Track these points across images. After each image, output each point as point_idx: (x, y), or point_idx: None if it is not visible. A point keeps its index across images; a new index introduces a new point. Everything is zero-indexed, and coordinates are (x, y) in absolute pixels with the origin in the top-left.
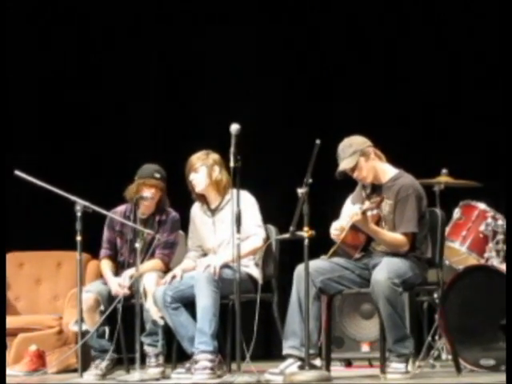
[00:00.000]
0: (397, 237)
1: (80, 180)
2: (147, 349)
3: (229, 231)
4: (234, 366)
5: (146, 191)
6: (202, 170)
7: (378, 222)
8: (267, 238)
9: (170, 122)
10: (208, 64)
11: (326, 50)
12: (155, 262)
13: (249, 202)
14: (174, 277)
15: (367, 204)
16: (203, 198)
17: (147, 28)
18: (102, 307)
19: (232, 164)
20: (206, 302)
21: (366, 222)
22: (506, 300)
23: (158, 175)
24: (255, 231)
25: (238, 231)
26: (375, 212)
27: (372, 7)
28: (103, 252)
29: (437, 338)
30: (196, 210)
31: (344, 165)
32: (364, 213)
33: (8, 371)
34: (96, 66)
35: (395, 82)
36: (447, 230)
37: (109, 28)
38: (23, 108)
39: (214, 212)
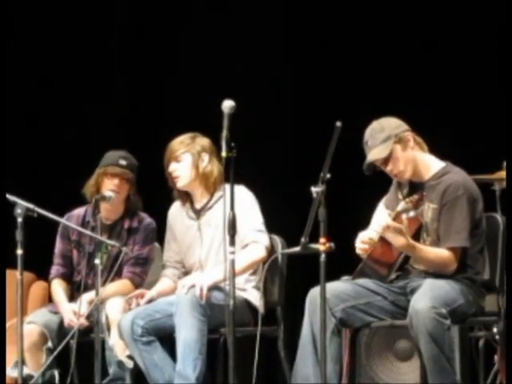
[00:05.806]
0: (441, 253)
1: (25, 175)
2: None
3: (219, 238)
4: None
5: (108, 184)
6: (186, 158)
7: (417, 232)
8: (272, 248)
9: (143, 98)
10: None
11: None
12: (122, 284)
13: (246, 200)
14: (149, 301)
15: (402, 205)
16: (187, 197)
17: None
18: (49, 344)
19: (224, 154)
20: (189, 334)
21: (400, 232)
22: (506, 300)
23: (123, 162)
24: (255, 238)
25: (233, 243)
26: (412, 215)
27: None
28: (55, 269)
29: None
30: (175, 212)
31: (374, 154)
32: (396, 218)
33: None
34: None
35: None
36: None
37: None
38: None
39: (199, 213)
